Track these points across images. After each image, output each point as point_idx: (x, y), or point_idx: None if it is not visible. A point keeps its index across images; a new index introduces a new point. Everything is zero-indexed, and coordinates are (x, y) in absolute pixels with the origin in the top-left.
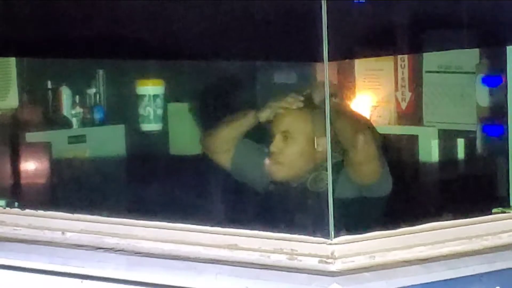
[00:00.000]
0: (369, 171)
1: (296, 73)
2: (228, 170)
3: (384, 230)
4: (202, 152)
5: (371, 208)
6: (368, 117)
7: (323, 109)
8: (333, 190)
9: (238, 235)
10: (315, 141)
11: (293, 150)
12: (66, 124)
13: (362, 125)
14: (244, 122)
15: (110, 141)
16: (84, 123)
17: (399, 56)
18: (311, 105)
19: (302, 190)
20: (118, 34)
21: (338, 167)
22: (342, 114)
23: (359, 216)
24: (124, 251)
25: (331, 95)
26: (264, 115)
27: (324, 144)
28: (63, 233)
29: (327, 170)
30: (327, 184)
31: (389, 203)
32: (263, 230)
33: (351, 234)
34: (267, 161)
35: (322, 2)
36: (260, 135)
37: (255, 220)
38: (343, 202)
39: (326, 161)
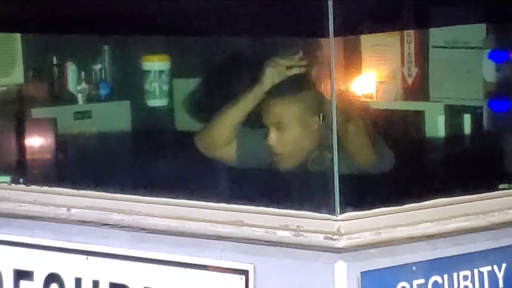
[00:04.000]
0: (363, 158)
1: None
2: (232, 164)
3: (390, 206)
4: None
5: (376, 184)
6: (359, 100)
7: (311, 89)
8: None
9: (243, 212)
10: (311, 123)
11: (289, 138)
12: (72, 100)
13: (352, 112)
14: (244, 104)
15: (115, 117)
16: (89, 99)
17: (406, 32)
18: (298, 87)
19: (308, 167)
20: (123, 10)
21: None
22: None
23: (365, 192)
24: (129, 227)
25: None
26: (266, 84)
27: (319, 124)
28: (68, 209)
29: (326, 150)
30: (327, 164)
31: (395, 179)
32: (269, 207)
33: (357, 211)
34: (268, 151)
35: None
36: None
37: (261, 196)
38: (348, 179)
39: (325, 141)
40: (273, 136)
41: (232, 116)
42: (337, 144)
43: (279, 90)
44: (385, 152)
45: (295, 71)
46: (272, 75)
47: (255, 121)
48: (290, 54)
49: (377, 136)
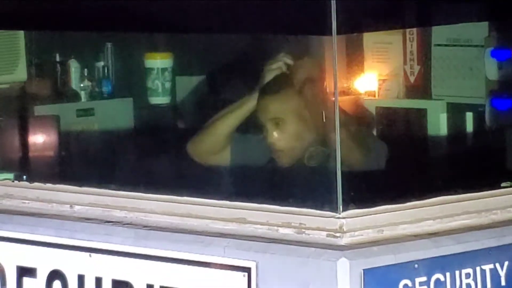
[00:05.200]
0: (354, 160)
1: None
2: (228, 168)
3: (392, 204)
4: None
5: (378, 181)
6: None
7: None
8: (329, 164)
9: (246, 209)
10: (308, 115)
11: (289, 133)
12: (75, 97)
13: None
14: (239, 111)
15: (118, 114)
16: (92, 96)
17: (408, 30)
18: (292, 82)
19: (304, 162)
20: (126, 7)
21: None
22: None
23: (367, 190)
24: (132, 224)
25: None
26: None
27: (317, 115)
28: (71, 206)
29: (322, 145)
30: (322, 158)
31: (398, 177)
32: (271, 204)
33: (359, 208)
34: (268, 148)
35: None
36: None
37: (263, 194)
38: (351, 176)
39: (321, 135)
40: (272, 132)
41: (226, 125)
42: (338, 141)
43: (273, 87)
44: (377, 144)
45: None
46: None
47: (247, 123)
48: (292, 52)
49: (367, 130)
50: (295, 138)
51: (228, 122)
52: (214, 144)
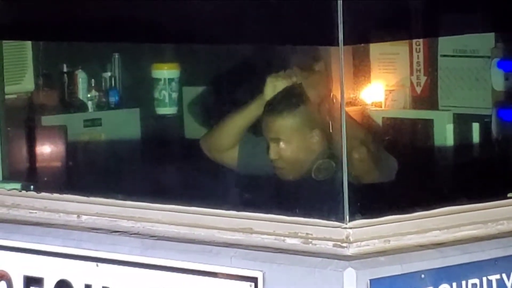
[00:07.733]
0: (367, 177)
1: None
2: (234, 168)
3: (399, 214)
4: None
5: (385, 192)
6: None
7: (309, 103)
8: (335, 175)
9: (253, 219)
10: (310, 136)
11: (289, 153)
12: (82, 107)
13: (356, 136)
14: (248, 113)
15: (125, 125)
16: (99, 106)
17: (414, 40)
18: (295, 103)
19: (312, 176)
20: (133, 18)
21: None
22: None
23: (374, 200)
24: (139, 234)
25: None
26: (267, 95)
27: (319, 136)
28: (78, 216)
29: (329, 159)
30: (330, 172)
31: (404, 187)
32: (278, 214)
33: (366, 218)
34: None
35: None
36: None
37: (270, 204)
38: (357, 187)
39: (327, 151)
40: (273, 151)
41: (235, 124)
42: (345, 152)
43: (276, 107)
44: (389, 160)
45: (294, 84)
46: (273, 86)
47: (258, 129)
48: (300, 62)
49: (379, 145)
50: (294, 158)
51: (236, 122)
52: (222, 141)
